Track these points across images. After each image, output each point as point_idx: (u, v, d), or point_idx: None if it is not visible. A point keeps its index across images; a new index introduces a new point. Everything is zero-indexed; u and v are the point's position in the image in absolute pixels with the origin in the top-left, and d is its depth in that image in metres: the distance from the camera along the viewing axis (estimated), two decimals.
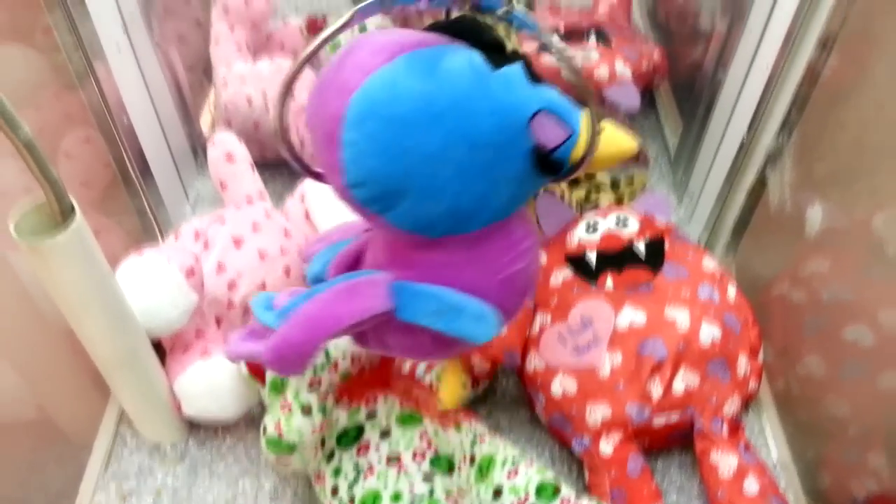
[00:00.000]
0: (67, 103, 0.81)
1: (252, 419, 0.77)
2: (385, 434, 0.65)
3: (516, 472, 0.63)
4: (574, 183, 0.98)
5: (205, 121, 1.09)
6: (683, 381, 0.69)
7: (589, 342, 0.71)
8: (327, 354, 0.67)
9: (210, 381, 0.71)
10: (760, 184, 0.82)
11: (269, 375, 0.70)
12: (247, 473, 0.73)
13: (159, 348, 0.75)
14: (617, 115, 1.05)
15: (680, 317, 0.71)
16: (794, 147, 0.77)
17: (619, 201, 0.94)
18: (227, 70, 0.98)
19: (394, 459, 0.63)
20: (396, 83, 0.42)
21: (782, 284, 0.80)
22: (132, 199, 0.85)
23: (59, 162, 0.79)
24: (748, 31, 0.84)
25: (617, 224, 0.80)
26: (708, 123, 0.95)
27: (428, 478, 0.62)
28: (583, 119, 0.48)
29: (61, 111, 0.82)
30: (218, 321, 0.78)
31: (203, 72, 1.11)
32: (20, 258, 0.66)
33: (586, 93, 0.48)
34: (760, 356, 0.76)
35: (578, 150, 0.48)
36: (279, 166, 1.05)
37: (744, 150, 0.83)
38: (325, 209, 0.81)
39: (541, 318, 0.75)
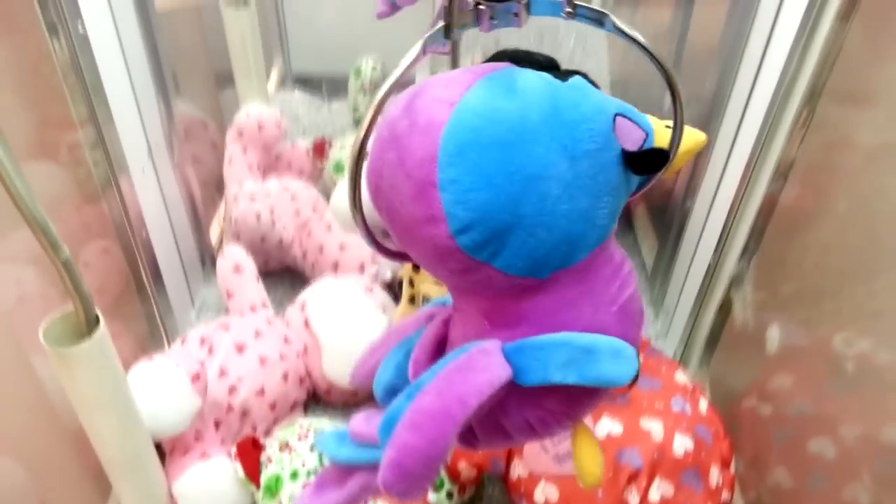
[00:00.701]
0: (87, 215, 0.88)
1: None
2: None
3: None
4: None
5: (214, 232, 1.16)
6: (659, 490, 0.73)
7: (569, 450, 0.75)
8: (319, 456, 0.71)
9: (208, 484, 0.74)
10: (727, 303, 0.89)
11: (264, 478, 0.73)
12: None
13: (159, 449, 0.78)
14: None
15: (654, 428, 0.75)
16: (755, 271, 0.84)
17: None
18: (239, 188, 1.07)
19: None
20: (486, 106, 0.40)
21: (751, 398, 0.85)
22: (143, 306, 0.91)
23: (83, 272, 0.85)
24: (712, 164, 0.94)
25: None
26: (680, 246, 1.04)
27: None
28: (650, 119, 0.46)
29: (81, 223, 0.89)
30: (217, 424, 0.81)
31: (215, 188, 1.20)
32: (41, 360, 0.71)
33: (672, 80, 0.44)
34: (732, 467, 0.80)
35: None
36: (281, 275, 1.12)
37: (711, 271, 0.90)
38: (324, 317, 0.87)
39: None
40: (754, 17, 0.81)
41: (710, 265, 0.91)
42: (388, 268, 0.99)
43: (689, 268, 1.00)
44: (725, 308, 0.90)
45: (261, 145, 1.11)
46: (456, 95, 0.40)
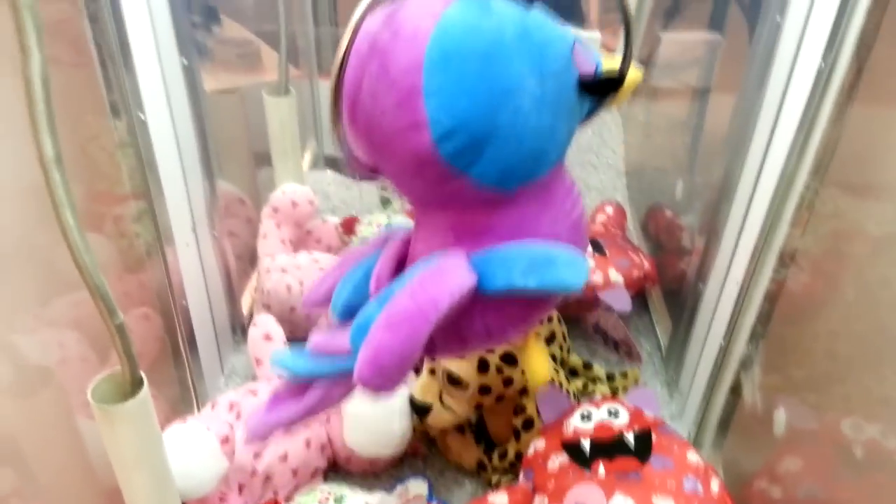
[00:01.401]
0: (127, 284, 0.94)
1: None
2: None
3: None
4: (573, 375, 1.08)
5: (245, 302, 1.22)
6: None
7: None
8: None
9: None
10: (738, 385, 0.91)
11: None
12: None
13: None
14: (611, 315, 1.17)
15: None
16: (764, 354, 0.87)
17: (613, 393, 1.03)
18: (271, 261, 1.13)
19: None
20: (468, 20, 0.42)
21: (762, 480, 0.86)
22: (177, 371, 0.95)
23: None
24: (722, 249, 0.98)
25: (609, 415, 0.88)
26: (693, 328, 1.07)
27: None
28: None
29: (122, 291, 0.95)
30: (240, 488, 0.84)
31: (248, 260, 1.27)
32: (82, 419, 0.75)
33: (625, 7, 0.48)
34: None
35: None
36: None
37: (721, 353, 0.93)
38: None
39: (539, 501, 0.81)
40: (759, 109, 0.87)
41: (721, 347, 0.94)
42: None
43: (701, 350, 1.02)
44: (736, 390, 0.92)
45: (294, 221, 1.18)
46: (438, 9, 0.42)
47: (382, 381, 0.45)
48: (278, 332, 0.98)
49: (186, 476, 0.74)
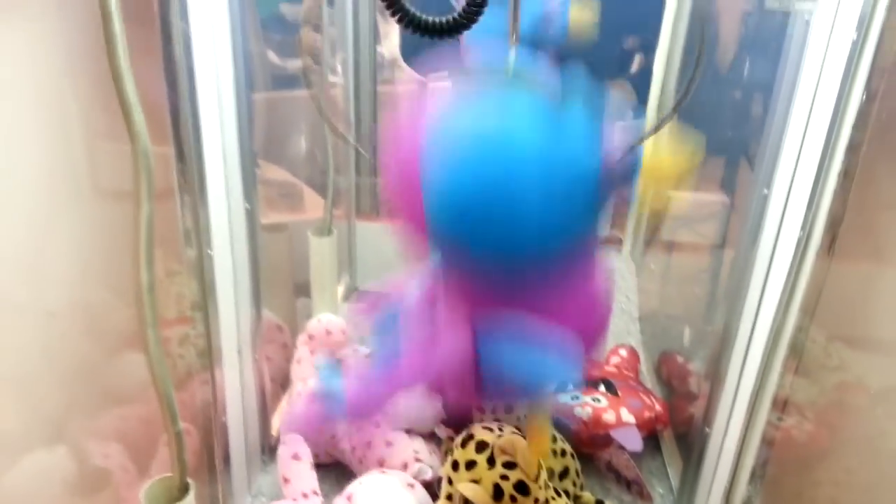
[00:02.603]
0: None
1: None
2: None
3: None
4: None
5: (275, 423, 1.29)
6: None
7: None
8: None
9: None
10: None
11: None
12: None
13: None
14: (622, 454, 1.22)
15: None
16: (764, 498, 0.91)
17: None
18: (303, 385, 1.22)
19: None
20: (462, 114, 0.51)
21: None
22: (209, 487, 1.02)
23: (160, 450, 0.98)
24: (724, 394, 1.05)
25: None
26: (701, 470, 1.11)
27: None
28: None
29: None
30: None
31: (280, 384, 1.36)
32: None
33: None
34: None
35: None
36: (329, 468, 1.21)
37: (726, 496, 0.97)
38: None
39: None
40: (752, 265, 0.97)
41: (725, 489, 0.98)
42: (429, 467, 1.08)
43: (709, 492, 1.06)
44: None
45: (328, 349, 1.28)
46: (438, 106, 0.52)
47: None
48: (306, 452, 1.05)
49: None
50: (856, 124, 0.79)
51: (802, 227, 0.86)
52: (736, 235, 1.19)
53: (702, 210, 1.49)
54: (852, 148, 0.79)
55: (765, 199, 0.95)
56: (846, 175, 0.80)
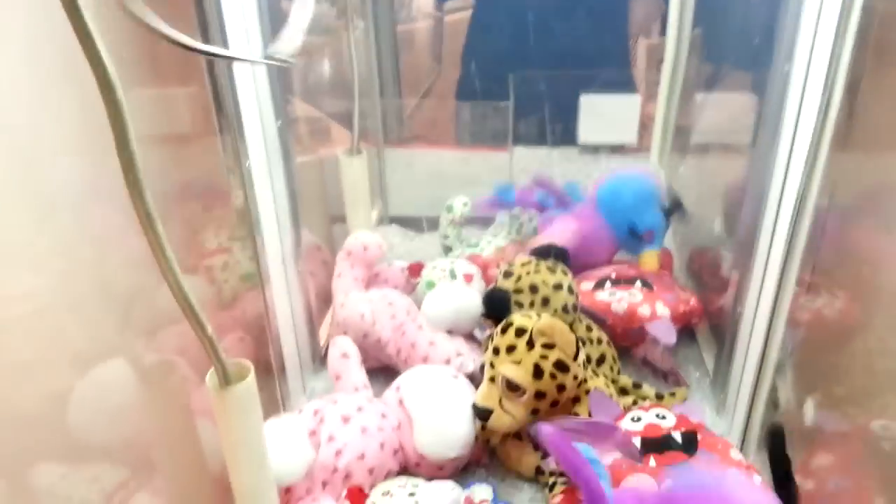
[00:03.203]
0: (221, 319, 1.08)
1: None
2: None
3: None
4: (623, 393, 1.16)
5: (322, 334, 1.36)
6: None
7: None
8: None
9: None
10: (774, 393, 0.98)
11: None
12: None
13: None
14: (657, 348, 1.25)
15: None
16: (794, 369, 0.95)
17: None
18: (345, 296, 1.28)
19: None
20: None
21: (797, 476, 0.92)
22: (267, 388, 1.09)
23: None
24: (754, 280, 1.07)
25: (657, 418, 0.96)
26: (734, 351, 1.14)
27: None
28: None
29: (216, 324, 1.10)
30: (324, 484, 0.95)
31: (324, 300, 1.42)
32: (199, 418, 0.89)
33: None
34: None
35: None
36: (377, 372, 1.28)
37: (756, 368, 1.01)
38: (417, 396, 1.02)
39: None
40: (776, 147, 0.98)
41: (758, 361, 1.01)
42: (470, 360, 1.14)
43: (743, 365, 1.10)
44: (771, 404, 0.99)
45: (365, 263, 1.33)
46: None
47: None
48: (354, 351, 1.11)
49: (280, 461, 0.86)
50: None
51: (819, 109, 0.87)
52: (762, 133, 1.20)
53: (731, 111, 1.48)
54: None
55: (786, 76, 0.95)
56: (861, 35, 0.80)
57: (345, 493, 0.89)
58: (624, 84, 1.99)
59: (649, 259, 1.43)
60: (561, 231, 1.43)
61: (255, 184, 1.01)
